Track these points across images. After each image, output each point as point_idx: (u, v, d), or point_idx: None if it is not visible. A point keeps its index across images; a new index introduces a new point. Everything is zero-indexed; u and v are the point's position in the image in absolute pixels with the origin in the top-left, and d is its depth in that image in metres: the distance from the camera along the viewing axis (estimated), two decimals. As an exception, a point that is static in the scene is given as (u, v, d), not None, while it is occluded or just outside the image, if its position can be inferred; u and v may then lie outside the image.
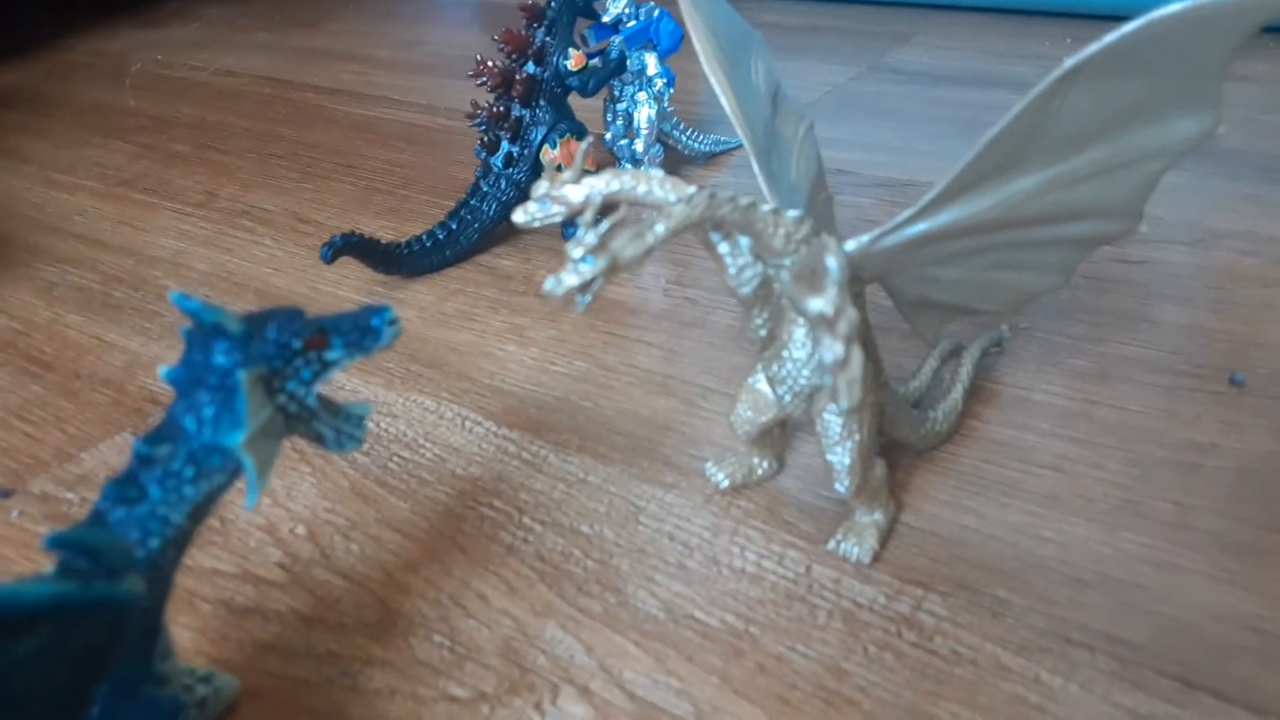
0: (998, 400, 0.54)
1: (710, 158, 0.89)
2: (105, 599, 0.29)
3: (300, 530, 0.48)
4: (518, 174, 0.74)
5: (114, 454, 0.54)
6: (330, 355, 0.34)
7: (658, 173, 0.37)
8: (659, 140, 0.82)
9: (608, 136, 0.82)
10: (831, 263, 0.32)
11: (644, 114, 0.80)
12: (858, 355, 0.32)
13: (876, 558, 0.44)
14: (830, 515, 0.46)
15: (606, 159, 0.84)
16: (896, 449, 0.49)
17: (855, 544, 0.44)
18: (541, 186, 0.37)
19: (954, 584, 0.42)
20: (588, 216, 0.35)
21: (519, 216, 0.38)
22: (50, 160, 1.01)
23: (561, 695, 0.38)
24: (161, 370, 0.32)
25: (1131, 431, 0.51)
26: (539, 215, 0.38)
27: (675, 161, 0.87)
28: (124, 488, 0.31)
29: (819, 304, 0.31)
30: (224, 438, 0.31)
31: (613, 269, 0.34)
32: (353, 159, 0.97)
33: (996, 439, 0.51)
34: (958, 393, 0.51)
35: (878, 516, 0.44)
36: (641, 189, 0.37)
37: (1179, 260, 0.67)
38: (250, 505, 0.32)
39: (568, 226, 0.75)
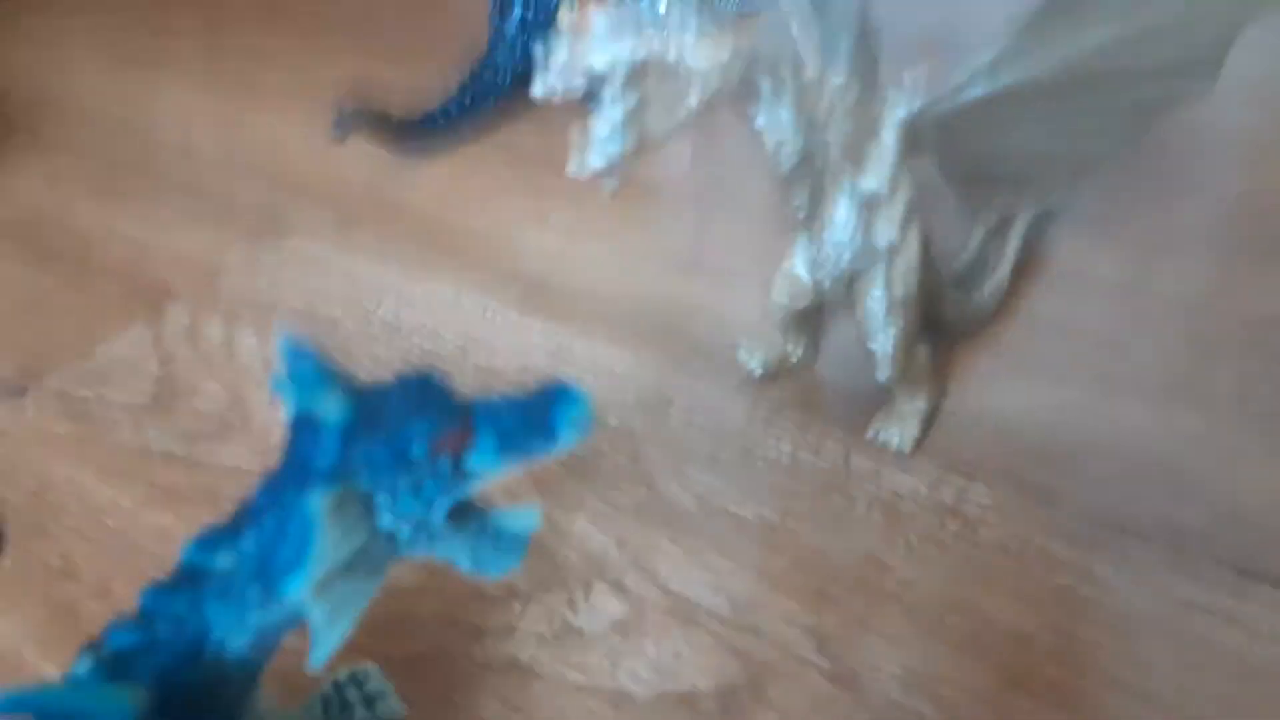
0: (1048, 275, 0.51)
1: (741, 16, 0.83)
2: None
3: (322, 425, 0.46)
4: (534, 40, 0.69)
5: (128, 347, 0.52)
6: (472, 463, 0.24)
7: (689, 35, 0.34)
8: None
9: (628, -3, 0.77)
10: (887, 135, 0.29)
11: (666, -29, 0.74)
12: (914, 238, 0.29)
13: (918, 446, 0.42)
14: (869, 402, 0.44)
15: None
16: (940, 330, 0.46)
17: (896, 432, 0.42)
18: (561, 54, 0.34)
19: (1000, 471, 0.40)
20: (614, 86, 0.32)
21: (537, 89, 0.35)
22: (49, 34, 0.97)
23: (594, 591, 0.37)
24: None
25: (1189, 307, 0.48)
26: (559, 87, 0.35)
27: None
28: (172, 598, 0.24)
29: (871, 182, 0.29)
30: (278, 579, 0.23)
31: (642, 146, 0.31)
32: (361, 27, 0.92)
33: (1046, 316, 0.48)
34: (1004, 270, 0.48)
35: (920, 403, 0.42)
36: (672, 53, 0.34)
37: (1243, 122, 0.63)
38: (315, 665, 0.24)
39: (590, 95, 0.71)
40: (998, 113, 0.37)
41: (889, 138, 0.30)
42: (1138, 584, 0.36)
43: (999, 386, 0.45)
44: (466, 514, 0.25)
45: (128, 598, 0.25)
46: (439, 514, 0.24)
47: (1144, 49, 0.34)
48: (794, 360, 0.46)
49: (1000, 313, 0.48)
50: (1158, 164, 0.59)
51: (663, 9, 0.76)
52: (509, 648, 0.36)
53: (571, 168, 0.31)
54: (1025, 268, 0.51)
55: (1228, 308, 0.48)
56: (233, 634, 0.24)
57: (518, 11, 0.69)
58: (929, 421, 0.43)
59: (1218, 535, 0.37)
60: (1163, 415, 0.42)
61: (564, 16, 0.71)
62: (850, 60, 0.42)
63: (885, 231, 0.29)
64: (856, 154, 0.30)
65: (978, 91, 0.35)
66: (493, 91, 0.69)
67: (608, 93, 0.31)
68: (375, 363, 0.50)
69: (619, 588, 0.37)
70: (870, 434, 0.42)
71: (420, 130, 0.67)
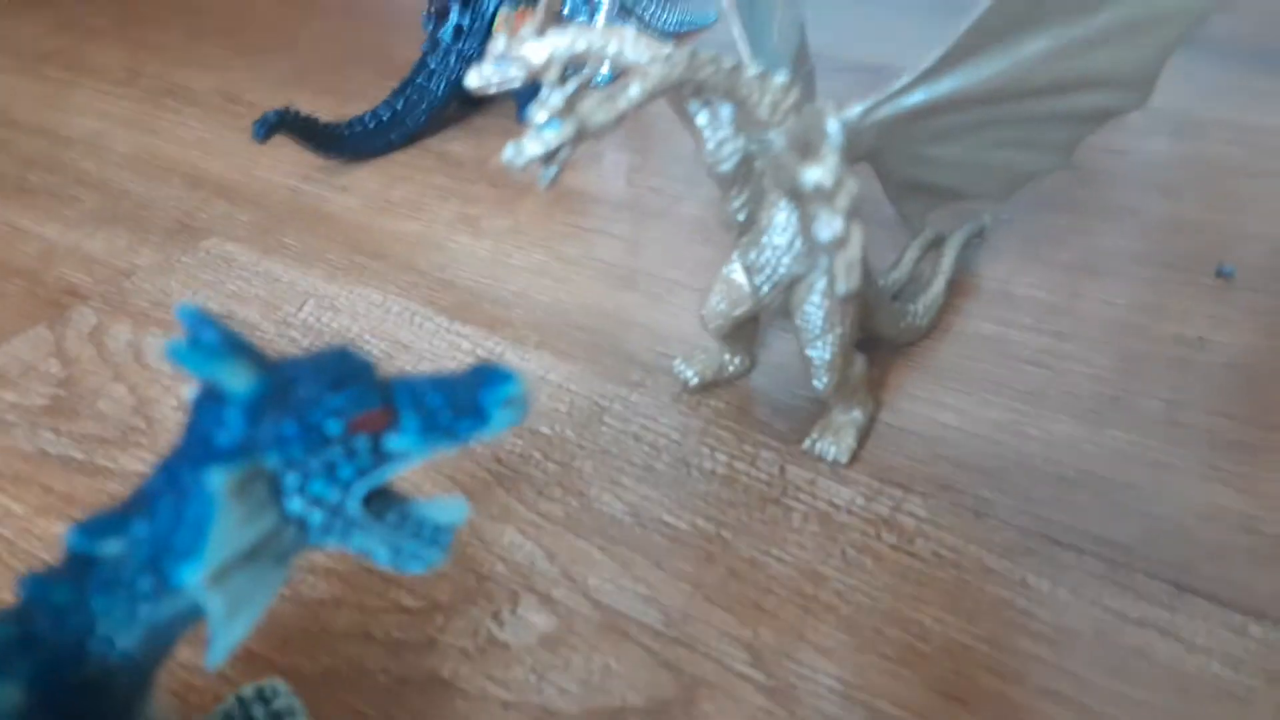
0: (979, 294, 0.51)
1: (677, 37, 0.83)
2: None
3: (235, 431, 0.44)
4: (468, 48, 0.68)
5: (28, 349, 0.49)
6: (393, 444, 0.22)
7: (630, 30, 0.33)
8: (621, 14, 0.77)
9: (565, 9, 0.76)
10: (832, 126, 0.29)
11: (605, -14, 0.74)
12: (858, 233, 0.29)
13: (854, 457, 0.41)
14: (805, 414, 0.44)
15: (564, 37, 0.78)
16: (874, 344, 0.46)
17: (832, 443, 0.41)
18: (499, 44, 0.33)
19: (935, 484, 0.40)
20: (552, 76, 0.31)
21: (473, 80, 0.34)
22: (-45, 33, 0.93)
23: (522, 604, 0.36)
24: (191, 391, 0.22)
25: (1118, 326, 0.49)
26: (495, 79, 0.33)
27: (637, 42, 0.82)
28: (53, 588, 0.21)
29: (816, 174, 0.28)
30: (172, 566, 0.21)
31: (581, 135, 0.30)
32: (288, 34, 0.90)
33: (978, 333, 0.48)
34: (939, 285, 0.48)
35: (856, 414, 0.42)
36: (612, 48, 0.33)
37: (1163, 150, 0.64)
38: (211, 664, 0.21)
39: (523, 106, 0.70)
40: (935, 120, 0.36)
41: (834, 130, 0.29)
42: (1073, 596, 0.35)
43: (933, 401, 0.44)
44: (385, 502, 0.23)
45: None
46: (355, 500, 0.22)
47: (1078, 63, 0.35)
48: (730, 371, 0.45)
49: (934, 329, 0.48)
50: (1084, 190, 0.60)
51: (600, 25, 0.76)
52: (429, 662, 0.34)
53: (507, 154, 0.29)
54: (958, 286, 0.51)
55: (1153, 327, 0.48)
56: (121, 629, 0.21)
57: (453, 18, 0.67)
58: (865, 434, 0.42)
59: (1151, 549, 0.37)
60: (1093, 431, 0.42)
61: (501, 21, 0.70)
62: (792, 64, 0.42)
63: (829, 224, 0.28)
64: (802, 148, 0.29)
65: (917, 98, 0.35)
66: (426, 99, 0.68)
67: (547, 79, 0.30)
68: (295, 368, 0.47)
69: (547, 600, 0.36)
70: (806, 445, 0.42)
71: (349, 136, 0.65)
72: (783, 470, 0.41)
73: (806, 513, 0.39)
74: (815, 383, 0.40)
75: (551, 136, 0.29)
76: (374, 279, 0.54)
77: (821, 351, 0.39)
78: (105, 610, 0.21)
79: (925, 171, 0.39)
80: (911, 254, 0.50)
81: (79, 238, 0.59)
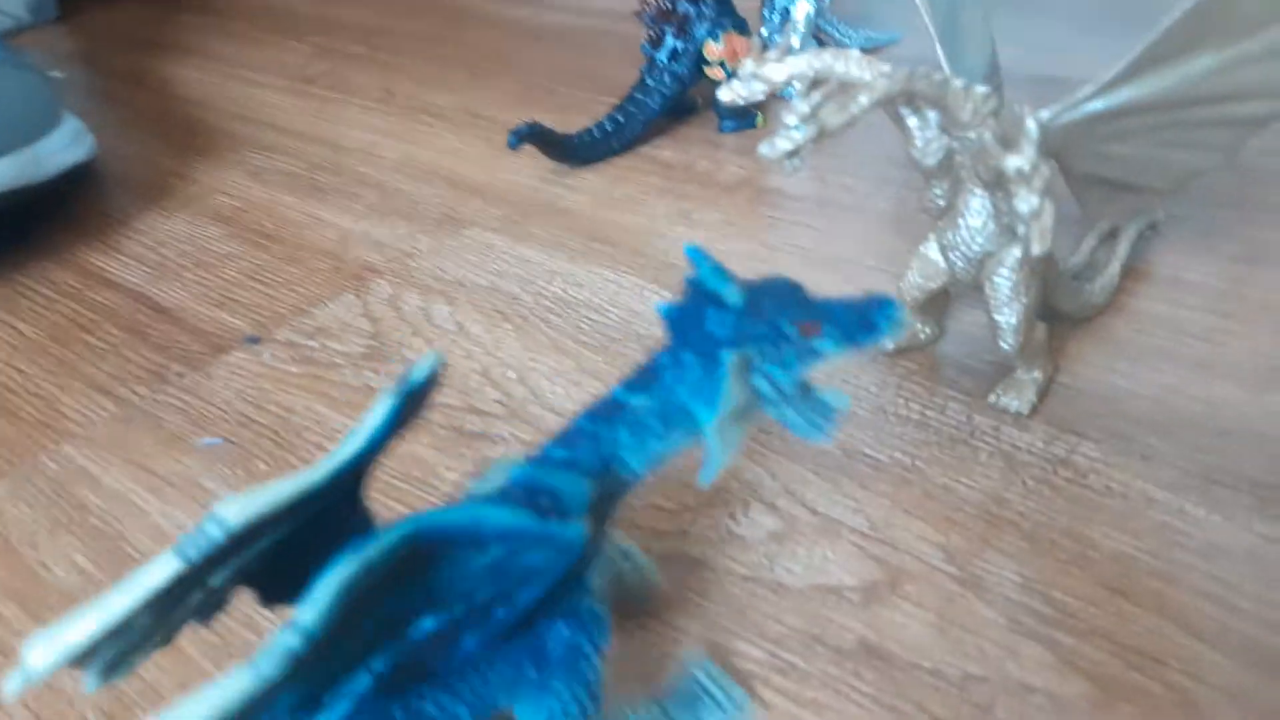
0: (1150, 279, 0.57)
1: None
2: (553, 535, 0.29)
3: (511, 374, 0.55)
4: (680, 68, 0.78)
5: (342, 310, 0.62)
6: (820, 345, 0.32)
7: (855, 52, 0.41)
8: (814, 36, 0.85)
9: (764, 32, 0.85)
10: (1030, 125, 0.36)
11: (802, 10, 0.83)
12: (1050, 206, 0.36)
13: (1034, 410, 0.48)
14: (989, 375, 0.51)
15: (760, 56, 0.87)
16: (1054, 318, 0.53)
17: (1015, 397, 0.48)
18: (748, 65, 0.42)
19: (1106, 432, 0.47)
20: (800, 87, 0.39)
21: (725, 94, 0.43)
22: (236, 58, 1.10)
23: (752, 509, 0.44)
24: (660, 305, 0.33)
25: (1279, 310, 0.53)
26: (743, 93, 0.42)
27: (825, 59, 0.90)
28: (598, 425, 0.32)
29: (1017, 161, 0.36)
30: (697, 411, 0.31)
31: (821, 135, 0.39)
32: (513, 60, 1.03)
33: (1150, 312, 0.54)
34: (1114, 268, 0.54)
35: (1036, 374, 0.48)
36: (840, 68, 0.41)
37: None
38: (704, 481, 0.32)
39: (723, 118, 0.79)
40: (1113, 124, 0.43)
41: (1032, 127, 0.37)
42: (1227, 522, 0.41)
43: (1107, 367, 0.51)
44: (803, 387, 0.33)
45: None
46: (791, 381, 0.32)
47: (1235, 77, 0.41)
48: (921, 339, 0.53)
49: (1109, 308, 0.54)
50: (1249, 188, 0.64)
51: (795, 45, 0.85)
52: (683, 545, 0.43)
53: (763, 149, 0.38)
54: (1132, 272, 0.57)
55: (1318, 310, 0.53)
56: (635, 455, 0.32)
57: (669, 43, 0.78)
58: (1044, 391, 0.49)
59: (1302, 491, 0.42)
60: (1254, 395, 0.48)
61: (710, 48, 0.79)
62: (985, 78, 0.50)
63: (1028, 200, 0.36)
64: (1005, 143, 0.37)
65: (1096, 106, 0.42)
66: (644, 112, 0.78)
67: (796, 92, 0.39)
68: (551, 329, 0.58)
69: (772, 507, 0.44)
70: (991, 399, 0.49)
71: (580, 144, 0.76)
72: (970, 418, 0.48)
73: (991, 451, 0.46)
74: (1001, 343, 0.47)
75: (798, 135, 0.38)
76: (608, 261, 0.64)
77: (1008, 316, 0.46)
78: (629, 440, 0.32)
79: (1103, 166, 0.46)
80: (1089, 243, 0.56)
81: (367, 226, 0.72)
